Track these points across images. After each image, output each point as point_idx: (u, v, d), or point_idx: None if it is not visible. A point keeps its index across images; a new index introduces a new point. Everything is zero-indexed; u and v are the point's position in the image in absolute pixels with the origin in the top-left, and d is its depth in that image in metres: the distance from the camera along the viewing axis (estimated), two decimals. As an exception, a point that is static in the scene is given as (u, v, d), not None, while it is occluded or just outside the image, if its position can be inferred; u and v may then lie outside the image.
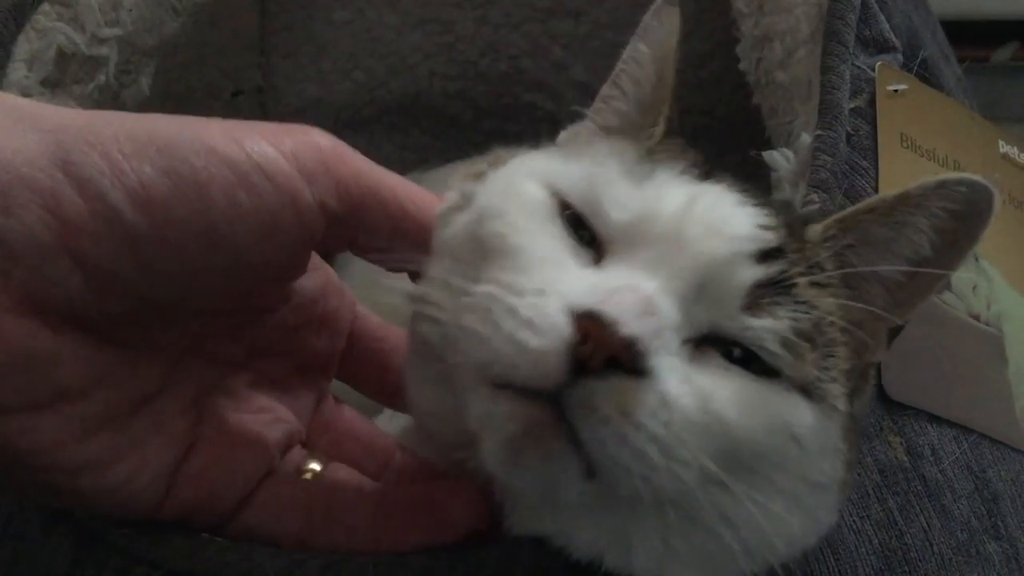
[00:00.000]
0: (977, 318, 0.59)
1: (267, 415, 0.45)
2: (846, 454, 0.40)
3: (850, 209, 0.44)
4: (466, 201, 0.43)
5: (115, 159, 0.33)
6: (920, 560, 0.51)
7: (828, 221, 0.43)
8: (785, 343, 0.38)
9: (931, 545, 0.52)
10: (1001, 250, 0.62)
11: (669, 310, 0.36)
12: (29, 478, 0.35)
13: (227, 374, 0.44)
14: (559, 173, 0.42)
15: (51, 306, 0.33)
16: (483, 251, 0.39)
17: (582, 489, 0.35)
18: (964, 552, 0.54)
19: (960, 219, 0.41)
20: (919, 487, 0.54)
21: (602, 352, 0.33)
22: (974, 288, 0.59)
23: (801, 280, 0.39)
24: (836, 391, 0.39)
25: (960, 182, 0.41)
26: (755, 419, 0.36)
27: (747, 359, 0.38)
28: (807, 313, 0.39)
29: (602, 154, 0.43)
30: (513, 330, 0.34)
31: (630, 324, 0.34)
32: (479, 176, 0.45)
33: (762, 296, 0.38)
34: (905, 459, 0.54)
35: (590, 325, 0.33)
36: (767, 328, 0.38)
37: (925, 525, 0.53)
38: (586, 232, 0.40)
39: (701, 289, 0.37)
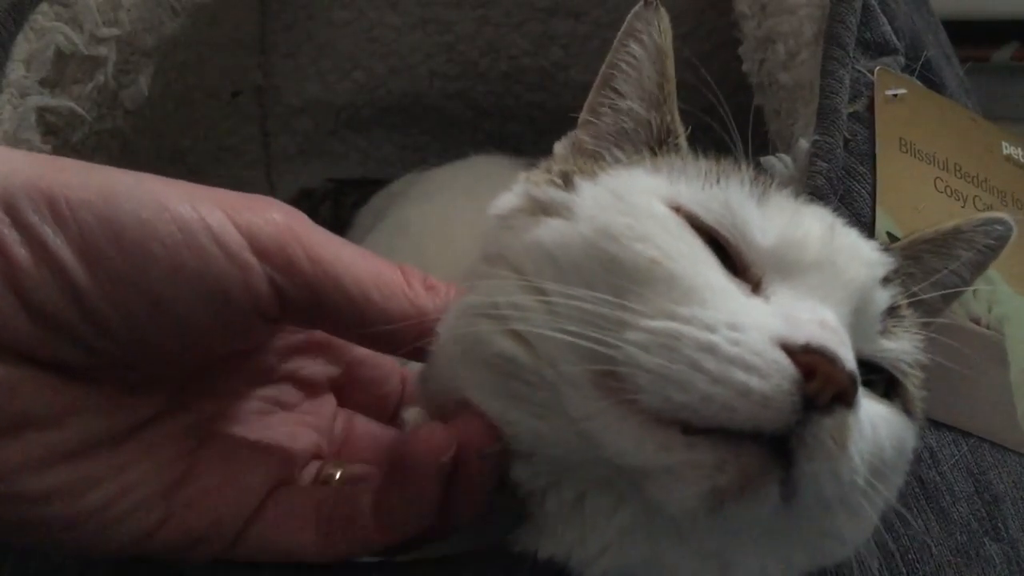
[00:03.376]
0: (978, 322, 0.59)
1: (276, 434, 0.44)
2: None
3: (907, 239, 0.47)
4: (545, 209, 0.40)
5: (59, 207, 0.33)
6: (918, 561, 0.51)
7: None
8: (912, 364, 0.40)
9: (930, 547, 0.52)
10: (1005, 253, 0.61)
11: (848, 340, 0.36)
12: None
13: (232, 402, 0.43)
14: (680, 194, 0.40)
15: (2, 342, 0.32)
16: (625, 274, 0.36)
17: (775, 518, 0.34)
18: (964, 554, 0.54)
19: (992, 252, 0.46)
20: (916, 489, 0.54)
21: (832, 388, 0.32)
22: (974, 292, 0.59)
23: (904, 303, 0.41)
24: (921, 408, 0.41)
25: (998, 221, 0.46)
26: (893, 441, 0.38)
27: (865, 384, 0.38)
28: (916, 334, 0.41)
29: (709, 173, 0.41)
30: (723, 372, 0.32)
31: (848, 359, 0.33)
32: (556, 183, 0.42)
33: (888, 319, 0.40)
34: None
35: (816, 361, 0.32)
36: (904, 350, 0.39)
37: (923, 527, 0.53)
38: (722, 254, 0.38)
39: (856, 315, 0.38)
